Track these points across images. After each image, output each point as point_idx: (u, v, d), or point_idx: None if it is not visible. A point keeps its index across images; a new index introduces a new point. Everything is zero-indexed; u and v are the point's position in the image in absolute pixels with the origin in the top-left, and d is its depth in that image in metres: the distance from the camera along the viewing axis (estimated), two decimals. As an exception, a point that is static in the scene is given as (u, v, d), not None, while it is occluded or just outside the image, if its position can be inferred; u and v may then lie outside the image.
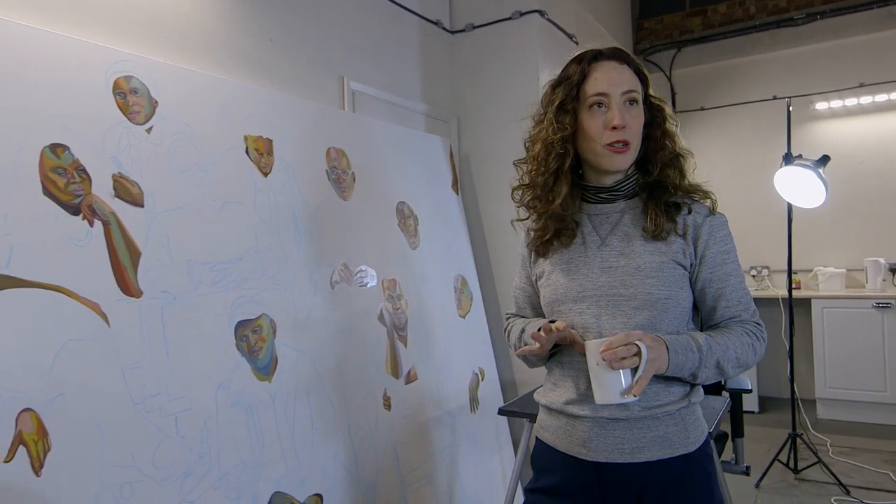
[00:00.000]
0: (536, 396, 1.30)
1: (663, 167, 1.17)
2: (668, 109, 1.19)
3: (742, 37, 4.64)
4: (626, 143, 1.13)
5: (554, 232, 1.19)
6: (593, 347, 1.04)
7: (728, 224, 1.18)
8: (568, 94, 1.15)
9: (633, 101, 1.14)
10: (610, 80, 1.12)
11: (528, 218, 1.25)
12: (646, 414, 1.11)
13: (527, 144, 1.24)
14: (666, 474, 1.12)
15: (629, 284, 1.12)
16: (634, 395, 1.03)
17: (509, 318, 1.41)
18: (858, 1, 4.23)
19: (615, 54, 1.16)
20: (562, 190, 1.16)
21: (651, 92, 1.19)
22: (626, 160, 1.14)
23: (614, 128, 1.11)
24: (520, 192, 1.24)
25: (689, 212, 1.16)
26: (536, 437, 1.30)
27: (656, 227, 1.14)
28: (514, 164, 1.27)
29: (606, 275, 1.15)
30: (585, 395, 1.13)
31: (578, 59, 1.17)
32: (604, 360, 1.02)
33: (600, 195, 1.20)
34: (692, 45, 4.80)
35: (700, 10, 4.76)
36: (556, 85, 1.19)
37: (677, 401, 1.14)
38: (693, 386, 1.17)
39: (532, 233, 1.24)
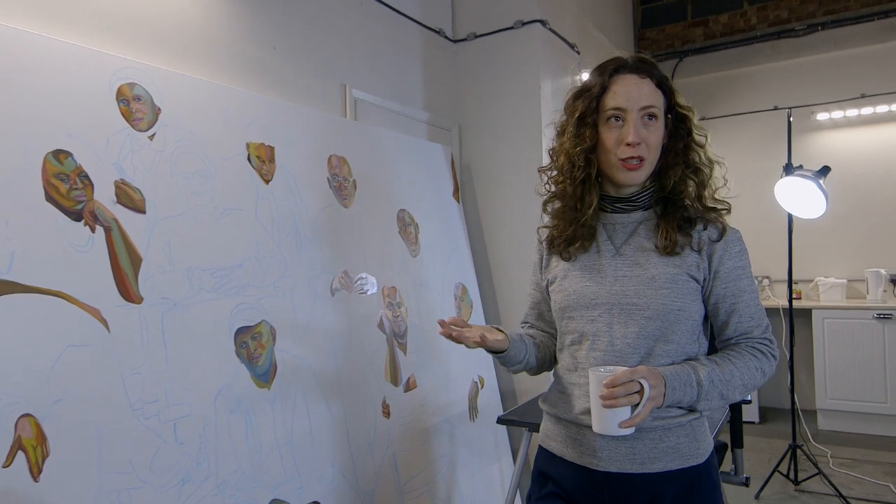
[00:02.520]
0: (543, 405, 1.29)
1: (678, 183, 1.16)
2: (695, 119, 1.18)
3: (743, 47, 4.66)
4: (640, 160, 1.12)
5: (580, 239, 1.20)
6: (597, 379, 1.05)
7: (743, 239, 1.18)
8: (588, 107, 1.15)
9: (651, 116, 1.13)
10: (628, 94, 1.12)
11: (553, 226, 1.25)
12: (658, 424, 1.12)
13: (552, 155, 1.25)
14: (676, 485, 1.12)
15: (642, 294, 1.13)
16: (627, 429, 1.04)
17: (522, 327, 1.42)
18: (859, 12, 4.25)
19: (638, 66, 1.15)
20: (592, 199, 1.17)
21: (678, 101, 1.17)
22: (638, 176, 1.15)
23: (628, 144, 1.11)
24: (550, 203, 1.26)
25: (705, 227, 1.16)
26: (540, 447, 1.29)
27: (668, 243, 1.14)
28: (539, 171, 1.28)
29: (620, 284, 1.15)
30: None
31: (601, 70, 1.17)
32: (602, 399, 1.02)
33: (617, 205, 1.20)
34: (694, 56, 4.82)
35: (702, 21, 4.79)
36: (577, 96, 1.19)
37: (688, 412, 1.14)
38: None
39: (555, 238, 1.24)
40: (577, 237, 1.19)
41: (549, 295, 1.28)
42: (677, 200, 1.17)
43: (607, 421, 1.04)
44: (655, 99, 1.14)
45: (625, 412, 1.03)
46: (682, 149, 1.16)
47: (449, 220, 2.67)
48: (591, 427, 1.12)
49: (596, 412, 1.06)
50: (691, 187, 1.17)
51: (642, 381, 1.02)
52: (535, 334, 1.34)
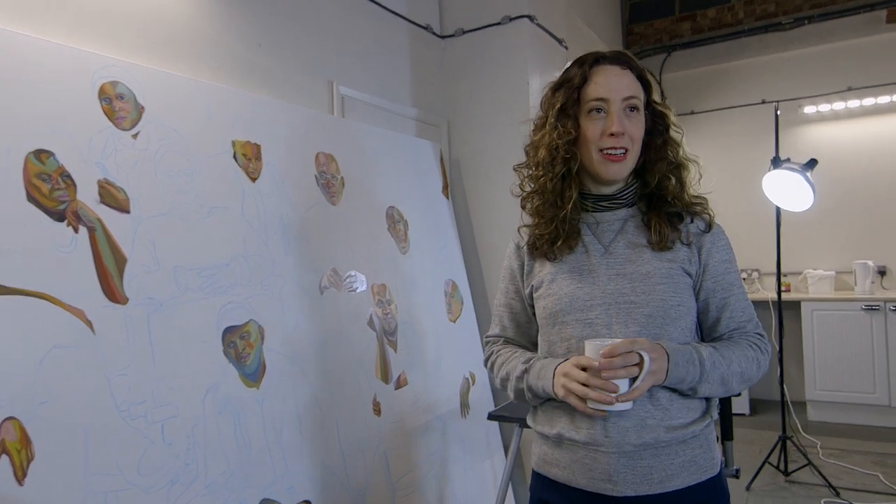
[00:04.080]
0: (536, 426, 1.21)
1: (662, 178, 1.14)
2: (672, 116, 1.16)
3: (731, 41, 4.68)
4: (623, 151, 1.10)
5: (563, 237, 1.15)
6: (594, 350, 1.00)
7: (725, 233, 1.17)
8: (569, 98, 1.12)
9: (633, 108, 1.11)
10: (610, 85, 1.10)
11: (536, 225, 1.20)
12: (671, 437, 1.06)
13: (528, 150, 1.20)
14: (693, 501, 1.08)
15: (640, 291, 1.09)
16: (624, 403, 0.99)
17: (489, 341, 1.34)
18: (846, 6, 4.27)
19: (618, 58, 1.13)
20: (572, 194, 1.13)
21: (654, 98, 1.16)
22: (622, 169, 1.12)
23: (612, 134, 1.09)
24: (528, 200, 1.20)
25: (692, 220, 1.15)
26: (537, 473, 1.20)
27: (662, 238, 1.11)
28: (514, 168, 1.23)
29: (614, 282, 1.11)
30: (607, 420, 1.06)
31: (580, 62, 1.14)
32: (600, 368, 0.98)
33: (601, 203, 1.17)
34: (682, 50, 4.83)
35: (689, 15, 4.80)
36: (556, 88, 1.16)
37: (699, 419, 1.10)
38: (709, 401, 1.13)
39: (537, 239, 1.19)
40: (560, 235, 1.15)
41: (531, 302, 1.22)
42: (661, 196, 1.15)
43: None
44: (636, 90, 1.12)
45: (622, 386, 0.98)
46: (660, 145, 1.14)
47: (438, 217, 2.66)
48: (603, 448, 1.06)
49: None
50: (674, 183, 1.15)
51: (642, 353, 0.98)
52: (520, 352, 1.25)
